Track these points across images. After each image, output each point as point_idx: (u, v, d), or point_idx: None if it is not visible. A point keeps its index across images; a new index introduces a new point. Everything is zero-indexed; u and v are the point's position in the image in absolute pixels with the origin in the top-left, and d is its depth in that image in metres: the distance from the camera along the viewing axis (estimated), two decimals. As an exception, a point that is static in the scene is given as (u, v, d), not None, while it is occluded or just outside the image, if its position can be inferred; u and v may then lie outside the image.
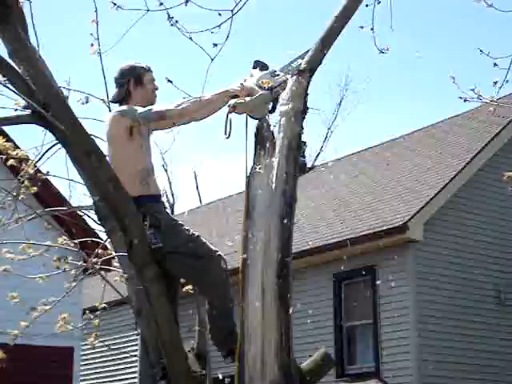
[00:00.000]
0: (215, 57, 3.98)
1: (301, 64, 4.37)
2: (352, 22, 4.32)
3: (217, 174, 47.67)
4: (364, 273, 12.71)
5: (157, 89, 4.46)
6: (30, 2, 4.07)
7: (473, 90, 4.97)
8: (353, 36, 4.49)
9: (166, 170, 34.34)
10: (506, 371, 12.59)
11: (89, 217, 4.81)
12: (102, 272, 4.94)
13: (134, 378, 16.44)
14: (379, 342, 12.36)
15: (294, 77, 4.33)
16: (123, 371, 16.79)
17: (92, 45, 4.65)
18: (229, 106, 4.17)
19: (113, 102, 4.49)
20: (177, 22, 4.08)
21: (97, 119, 4.78)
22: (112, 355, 16.51)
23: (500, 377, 12.53)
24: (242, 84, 4.26)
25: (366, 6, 4.46)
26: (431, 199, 12.65)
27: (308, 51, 4.42)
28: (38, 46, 3.87)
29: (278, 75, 4.33)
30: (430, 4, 43.93)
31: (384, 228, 12.38)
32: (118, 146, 4.22)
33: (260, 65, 4.43)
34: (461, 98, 5.09)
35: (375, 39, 4.42)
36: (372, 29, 4.49)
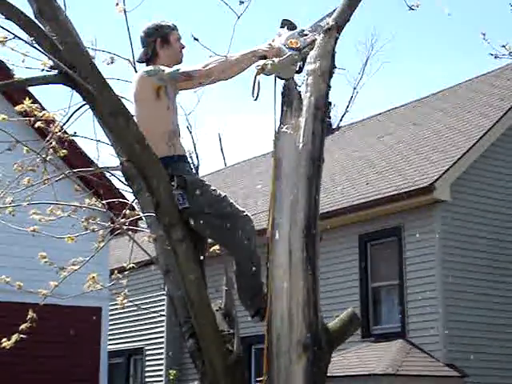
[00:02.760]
0: (241, 14, 3.93)
1: (329, 23, 4.31)
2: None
3: (241, 134, 47.62)
4: (390, 233, 12.69)
5: (183, 47, 4.43)
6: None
7: (504, 46, 4.88)
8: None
9: (190, 132, 34.36)
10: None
11: (116, 177, 4.82)
12: (130, 232, 4.97)
13: (162, 337, 16.66)
14: (405, 303, 12.38)
15: (322, 35, 4.28)
16: (151, 331, 17.00)
17: (117, 4, 4.61)
18: (257, 67, 4.14)
19: (139, 62, 4.48)
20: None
21: (123, 80, 4.77)
22: (139, 315, 16.71)
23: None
24: (270, 44, 4.22)
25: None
26: (459, 159, 12.54)
27: (335, 9, 4.35)
28: (64, 6, 3.85)
29: (306, 35, 4.27)
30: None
31: (411, 189, 12.32)
32: (144, 107, 4.22)
33: (288, 24, 4.37)
34: (491, 54, 5.00)
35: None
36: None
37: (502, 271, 12.59)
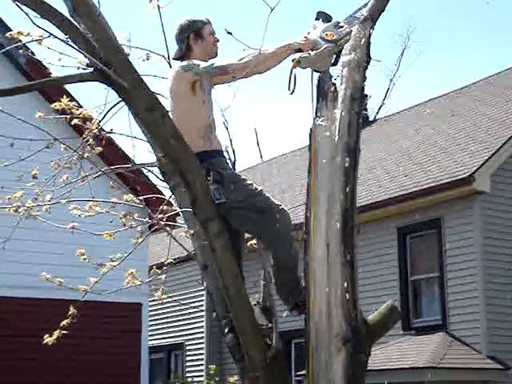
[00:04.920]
0: (274, 7, 3.91)
1: (363, 14, 4.27)
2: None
3: (277, 127, 47.51)
4: (429, 226, 12.58)
5: (218, 41, 4.42)
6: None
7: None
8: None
9: (226, 128, 34.38)
10: None
11: (153, 174, 4.83)
12: (167, 228, 4.98)
13: (202, 332, 16.74)
14: (445, 295, 12.27)
15: (357, 27, 4.24)
16: (191, 326, 17.09)
17: (150, 0, 4.62)
18: (293, 60, 4.12)
19: (174, 59, 4.48)
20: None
21: (158, 76, 4.78)
22: (179, 310, 16.81)
23: None
24: (305, 37, 4.19)
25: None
26: (498, 150, 12.37)
27: (370, 0, 4.31)
28: (99, 3, 3.86)
29: (341, 27, 4.23)
30: None
31: (449, 180, 12.19)
32: (180, 102, 4.22)
33: (323, 16, 4.34)
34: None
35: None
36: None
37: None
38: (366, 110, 19.80)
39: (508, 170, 12.51)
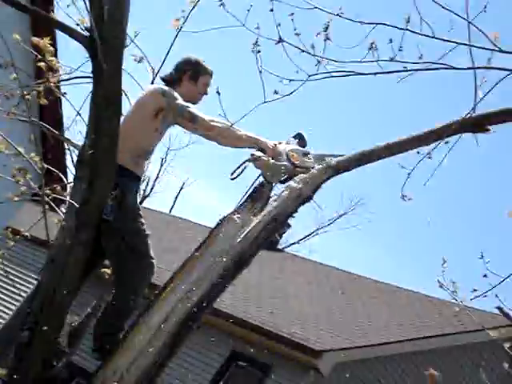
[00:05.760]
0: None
1: (332, 161, 4.40)
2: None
3: (197, 198, 47.59)
4: (259, 367, 12.57)
5: (205, 94, 4.49)
6: None
7: (454, 283, 5.05)
8: (389, 166, 4.53)
9: (161, 165, 34.31)
10: None
11: (70, 155, 4.78)
12: (47, 206, 4.88)
13: (5, 313, 16.14)
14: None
15: (320, 166, 4.36)
16: (2, 302, 16.48)
17: (177, 20, 4.68)
18: (252, 155, 4.22)
19: (162, 79, 4.52)
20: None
21: (136, 81, 4.79)
22: (1, 280, 16.21)
23: None
24: (275, 145, 4.31)
25: (418, 153, 4.49)
26: (358, 347, 12.60)
27: (344, 155, 4.46)
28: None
29: (309, 158, 4.37)
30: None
31: (300, 342, 12.23)
32: (138, 116, 4.24)
33: (300, 138, 4.49)
34: (439, 281, 5.13)
35: (403, 187, 4.44)
36: (409, 174, 4.52)
37: None
38: (280, 236, 20.05)
39: (353, 368, 12.70)
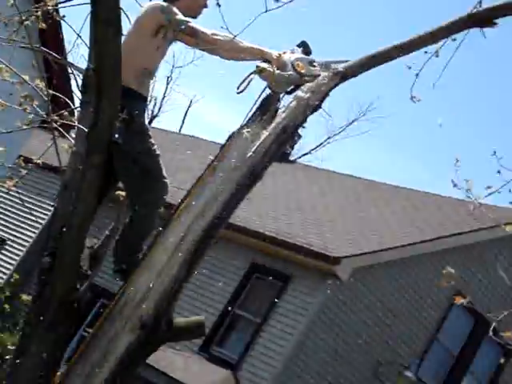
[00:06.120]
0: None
1: (338, 67, 4.35)
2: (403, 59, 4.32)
3: (206, 115, 47.40)
4: (278, 277, 12.78)
5: (206, 7, 4.40)
6: None
7: (467, 181, 5.03)
8: (397, 69, 4.48)
9: (167, 83, 34.04)
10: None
11: (75, 79, 4.74)
12: (56, 133, 4.88)
13: (26, 242, 16.37)
14: (254, 344, 12.48)
15: (327, 74, 4.31)
16: (20, 230, 16.68)
17: None
18: (257, 66, 4.16)
19: (160, -7, 4.42)
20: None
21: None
22: (18, 209, 16.37)
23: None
24: (280, 54, 4.24)
25: (426, 53, 4.43)
26: (374, 251, 12.74)
27: (350, 60, 4.40)
28: None
29: (314, 66, 4.31)
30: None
31: (317, 250, 12.42)
32: (139, 35, 4.18)
33: (304, 46, 4.41)
34: (453, 181, 5.12)
35: (412, 87, 4.41)
36: (417, 75, 4.47)
37: (344, 371, 12.81)
38: (292, 147, 20.04)
39: (371, 273, 12.88)
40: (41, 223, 15.75)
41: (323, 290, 12.25)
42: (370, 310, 12.94)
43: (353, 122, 33.98)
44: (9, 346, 10.58)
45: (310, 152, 32.50)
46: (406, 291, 13.46)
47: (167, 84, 34.29)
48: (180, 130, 31.74)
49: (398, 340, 13.42)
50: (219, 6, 3.80)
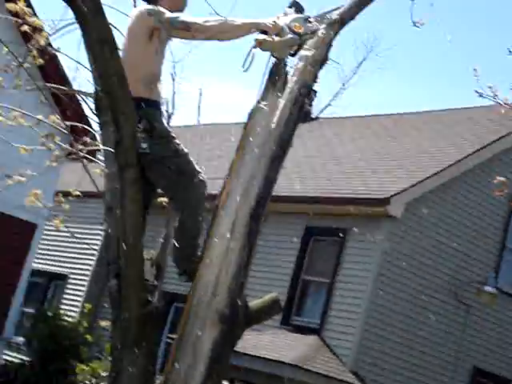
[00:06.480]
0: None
1: (334, 15, 4.32)
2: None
3: (221, 98, 47.30)
4: (335, 233, 12.82)
5: (189, -4, 4.40)
6: None
7: (490, 87, 4.96)
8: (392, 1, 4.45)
9: (173, 79, 33.98)
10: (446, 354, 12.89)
11: (86, 104, 4.79)
12: (85, 161, 4.95)
13: (88, 270, 16.63)
14: (330, 303, 12.55)
15: (325, 26, 4.29)
16: (79, 261, 16.95)
17: None
18: (255, 40, 4.15)
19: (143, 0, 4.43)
20: None
21: (121, 12, 4.73)
22: (72, 242, 16.62)
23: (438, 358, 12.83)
24: (274, 21, 4.22)
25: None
26: (421, 181, 12.69)
27: (343, 6, 4.37)
28: None
29: (310, 22, 4.29)
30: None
31: (365, 196, 12.43)
32: (134, 44, 4.19)
33: (296, 6, 4.38)
34: (477, 92, 5.07)
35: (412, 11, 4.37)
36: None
37: (425, 303, 12.82)
38: (311, 105, 19.94)
39: (423, 203, 12.85)
40: (95, 249, 15.96)
41: (382, 233, 12.26)
42: (432, 238, 12.92)
43: (362, 61, 33.61)
44: (102, 374, 10.79)
45: (329, 104, 32.25)
46: (462, 210, 13.41)
47: (173, 80, 34.26)
48: (198, 121, 31.70)
49: (469, 259, 13.39)
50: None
